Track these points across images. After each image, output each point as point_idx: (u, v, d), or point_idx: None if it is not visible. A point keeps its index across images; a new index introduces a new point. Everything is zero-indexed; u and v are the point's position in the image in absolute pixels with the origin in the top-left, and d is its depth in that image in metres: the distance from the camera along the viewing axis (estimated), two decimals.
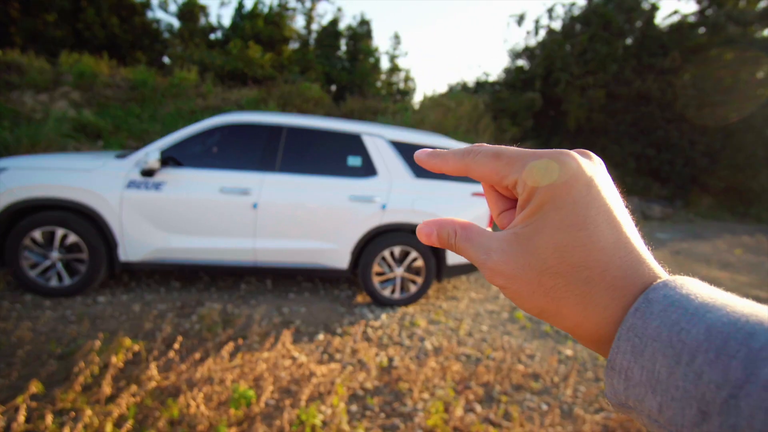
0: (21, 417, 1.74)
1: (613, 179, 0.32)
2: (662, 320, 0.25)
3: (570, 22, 17.30)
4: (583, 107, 15.82)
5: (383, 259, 3.85)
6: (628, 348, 0.26)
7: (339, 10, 20.64)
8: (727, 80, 15.31)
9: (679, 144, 15.74)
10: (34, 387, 1.90)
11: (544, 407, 2.61)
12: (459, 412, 2.39)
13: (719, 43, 15.38)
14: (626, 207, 0.32)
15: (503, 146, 0.31)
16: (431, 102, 14.58)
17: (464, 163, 0.33)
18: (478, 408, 2.52)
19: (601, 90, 15.74)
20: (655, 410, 0.24)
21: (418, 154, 0.35)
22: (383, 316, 3.70)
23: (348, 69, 18.03)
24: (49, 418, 1.81)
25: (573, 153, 0.30)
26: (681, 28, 16.43)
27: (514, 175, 0.30)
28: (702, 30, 15.98)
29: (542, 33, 18.01)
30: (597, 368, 3.17)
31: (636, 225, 0.31)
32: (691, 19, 16.80)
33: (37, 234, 3.24)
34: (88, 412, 1.87)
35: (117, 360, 2.37)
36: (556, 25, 17.91)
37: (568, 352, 3.40)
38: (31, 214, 3.26)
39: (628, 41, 16.46)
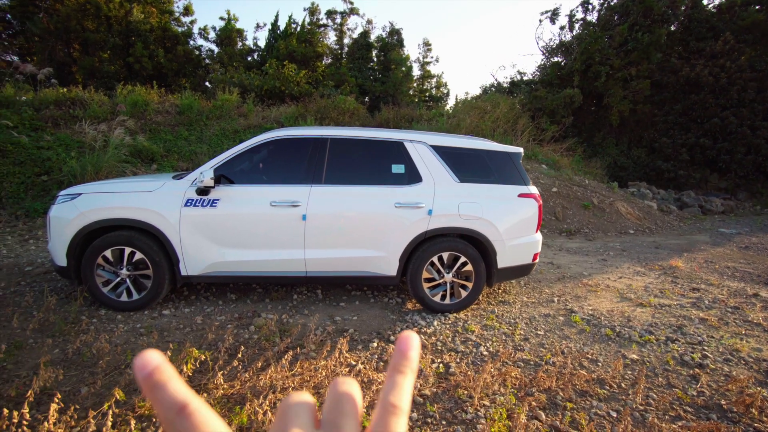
0: (108, 422, 1.87)
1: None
2: None
3: (607, 12, 16.68)
4: (627, 100, 15.11)
5: (432, 264, 3.83)
6: None
7: (369, 22, 20.91)
8: None
9: (738, 131, 14.64)
10: (117, 394, 2.04)
11: (614, 414, 2.48)
12: (523, 419, 2.31)
13: None
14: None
15: None
16: (465, 106, 14.45)
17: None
18: (543, 415, 2.42)
19: (646, 81, 14.99)
20: None
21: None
22: (435, 323, 3.66)
23: (381, 79, 18.26)
24: (132, 423, 1.92)
25: None
26: (732, 7, 15.40)
27: None
28: (757, 7, 14.90)
29: (577, 27, 17.46)
30: (668, 373, 2.98)
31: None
32: None
33: (108, 253, 3.49)
34: None
35: (187, 369, 2.49)
36: (592, 17, 17.32)
37: (634, 356, 3.21)
38: (102, 235, 3.52)
39: (673, 27, 15.62)
